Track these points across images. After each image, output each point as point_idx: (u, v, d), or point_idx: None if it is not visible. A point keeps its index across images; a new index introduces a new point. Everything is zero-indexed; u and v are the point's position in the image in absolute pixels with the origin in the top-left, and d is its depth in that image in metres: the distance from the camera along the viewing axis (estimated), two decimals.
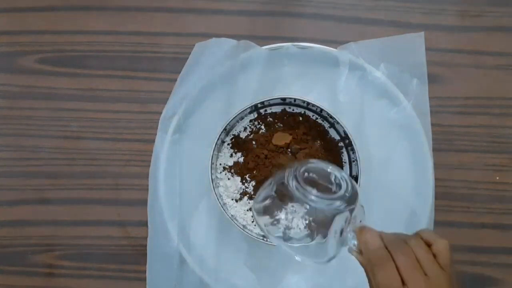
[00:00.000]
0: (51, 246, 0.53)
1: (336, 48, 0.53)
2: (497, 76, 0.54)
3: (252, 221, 0.51)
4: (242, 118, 0.52)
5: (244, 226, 0.50)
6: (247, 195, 0.51)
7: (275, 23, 0.55)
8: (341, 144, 0.51)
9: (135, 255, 0.53)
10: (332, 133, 0.52)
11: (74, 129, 0.54)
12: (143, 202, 0.52)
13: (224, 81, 0.52)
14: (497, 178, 0.53)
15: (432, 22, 0.55)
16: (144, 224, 0.52)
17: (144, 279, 0.51)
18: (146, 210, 0.52)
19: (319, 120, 0.52)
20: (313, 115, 0.52)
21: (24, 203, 0.54)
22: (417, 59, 0.53)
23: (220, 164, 0.52)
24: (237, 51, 0.52)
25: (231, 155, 0.52)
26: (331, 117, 0.50)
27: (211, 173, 0.49)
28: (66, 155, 0.54)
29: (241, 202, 0.51)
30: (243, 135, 0.52)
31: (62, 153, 0.54)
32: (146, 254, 0.51)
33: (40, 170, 0.54)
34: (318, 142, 0.52)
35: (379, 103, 0.52)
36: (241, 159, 0.52)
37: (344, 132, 0.50)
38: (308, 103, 0.50)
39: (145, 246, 0.51)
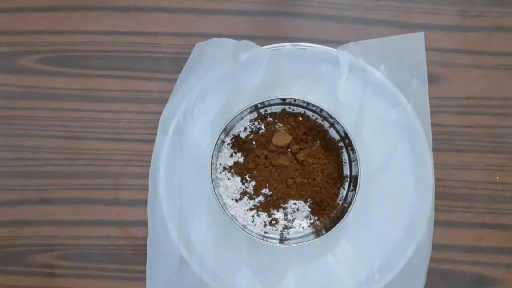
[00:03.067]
0: (51, 246, 0.53)
1: (336, 48, 0.53)
2: (497, 76, 0.54)
3: (252, 221, 0.51)
4: (242, 118, 0.52)
5: (244, 226, 0.50)
6: (247, 195, 0.51)
7: (275, 23, 0.55)
8: (341, 144, 0.51)
9: (135, 255, 0.53)
10: (332, 133, 0.52)
11: (74, 129, 0.54)
12: (143, 202, 0.52)
13: (224, 81, 0.52)
14: (497, 178, 0.53)
15: (432, 22, 0.55)
16: (144, 224, 0.52)
17: (144, 279, 0.51)
18: (146, 210, 0.52)
19: (319, 120, 0.52)
20: (313, 115, 0.52)
21: (24, 203, 0.54)
22: (417, 59, 0.53)
23: (220, 164, 0.52)
24: (237, 51, 0.52)
25: (231, 155, 0.52)
26: (331, 117, 0.50)
27: (211, 173, 0.49)
28: (66, 155, 0.54)
29: (241, 202, 0.51)
30: (243, 135, 0.52)
31: (62, 153, 0.54)
32: (146, 254, 0.51)
33: (40, 170, 0.54)
34: (318, 142, 0.52)
35: (379, 103, 0.52)
36: (241, 159, 0.52)
37: (344, 132, 0.50)
38: (308, 103, 0.50)
39: (145, 246, 0.51)
